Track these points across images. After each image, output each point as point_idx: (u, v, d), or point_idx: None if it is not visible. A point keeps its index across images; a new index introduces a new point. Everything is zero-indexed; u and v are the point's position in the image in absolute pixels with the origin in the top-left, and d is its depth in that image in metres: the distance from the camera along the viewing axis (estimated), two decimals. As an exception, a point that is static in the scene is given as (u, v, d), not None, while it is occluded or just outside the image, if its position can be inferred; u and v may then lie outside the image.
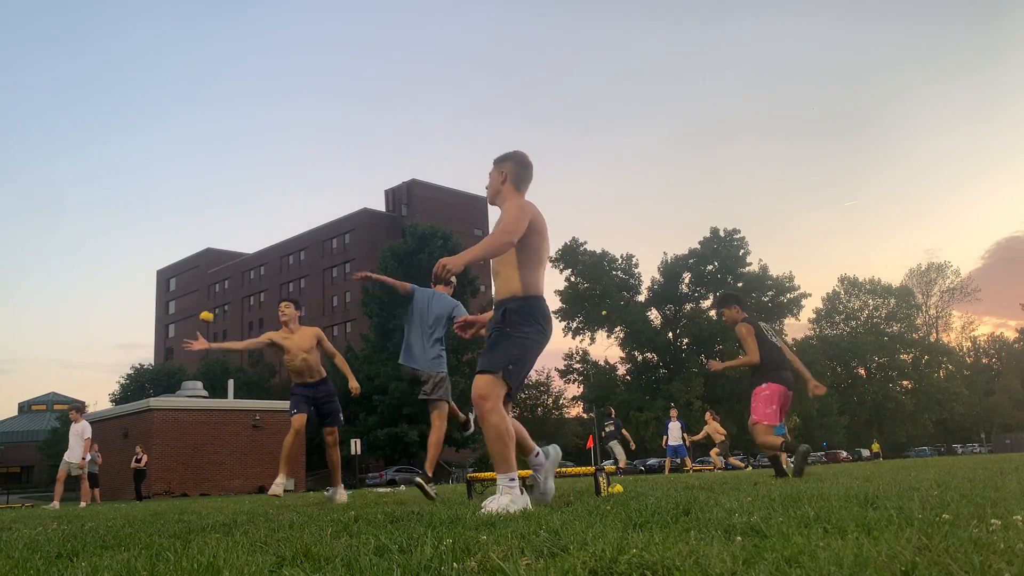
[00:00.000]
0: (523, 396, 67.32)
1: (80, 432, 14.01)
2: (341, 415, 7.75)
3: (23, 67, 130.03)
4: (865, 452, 68.50)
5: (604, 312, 52.14)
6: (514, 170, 4.58)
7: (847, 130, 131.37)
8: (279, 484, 7.08)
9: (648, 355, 61.63)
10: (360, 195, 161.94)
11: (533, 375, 69.92)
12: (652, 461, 58.74)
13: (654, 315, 63.09)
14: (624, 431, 20.43)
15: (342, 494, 7.58)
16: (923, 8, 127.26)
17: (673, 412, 20.09)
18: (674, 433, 19.58)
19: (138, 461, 25.41)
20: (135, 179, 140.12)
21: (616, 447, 20.04)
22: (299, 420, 7.37)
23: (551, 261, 60.91)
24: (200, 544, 2.95)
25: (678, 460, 20.21)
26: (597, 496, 5.10)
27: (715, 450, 19.28)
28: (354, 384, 7.58)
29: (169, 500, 22.07)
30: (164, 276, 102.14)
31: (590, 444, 31.43)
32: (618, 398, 56.15)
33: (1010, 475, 5.10)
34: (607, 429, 20.40)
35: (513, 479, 3.90)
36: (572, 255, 60.51)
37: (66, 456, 14.06)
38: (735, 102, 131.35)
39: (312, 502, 7.85)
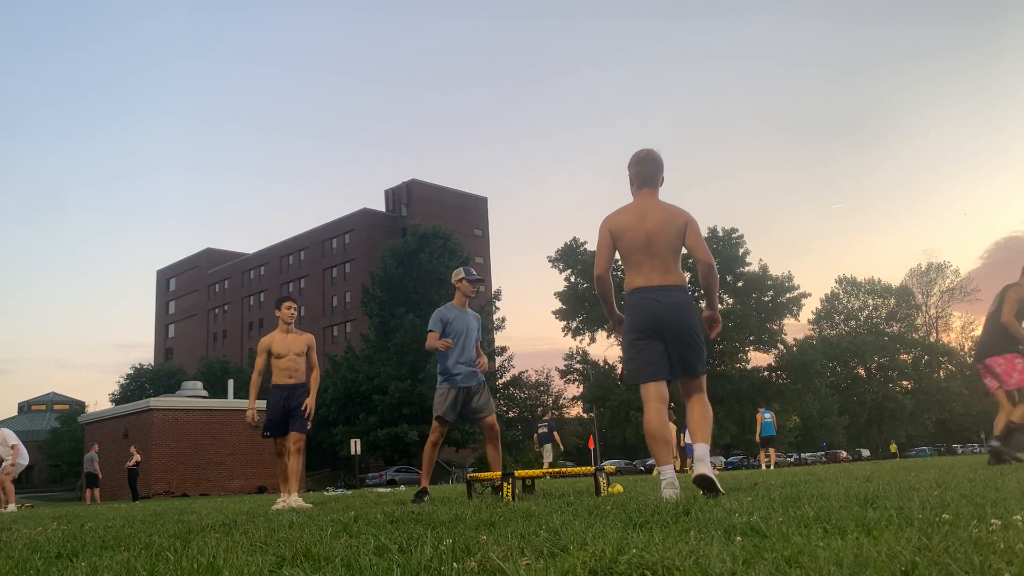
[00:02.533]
0: (523, 396, 67.24)
1: (3, 440, 13.31)
2: (308, 423, 7.48)
3: (23, 66, 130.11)
4: (865, 452, 68.69)
5: None
6: (629, 172, 4.68)
7: (846, 129, 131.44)
8: (283, 502, 7.10)
9: (648, 355, 61.55)
10: (360, 195, 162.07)
11: (533, 375, 69.84)
12: (652, 461, 58.62)
13: (654, 315, 63.04)
14: (556, 433, 20.64)
15: (298, 501, 7.23)
16: (923, 7, 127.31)
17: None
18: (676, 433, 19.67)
19: (130, 460, 25.44)
20: (135, 179, 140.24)
21: (547, 449, 20.32)
22: (280, 443, 7.43)
23: (551, 262, 61.01)
24: (200, 544, 2.95)
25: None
26: (597, 496, 5.10)
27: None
28: (310, 403, 7.42)
29: (169, 500, 22.08)
30: (164, 276, 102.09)
31: (591, 444, 31.45)
32: (618, 398, 56.11)
33: (1010, 475, 5.10)
34: (540, 431, 20.63)
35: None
36: (572, 255, 60.47)
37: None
38: (734, 101, 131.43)
39: (312, 502, 7.85)
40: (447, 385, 6.76)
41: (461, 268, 7.08)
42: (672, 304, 4.36)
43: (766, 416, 21.26)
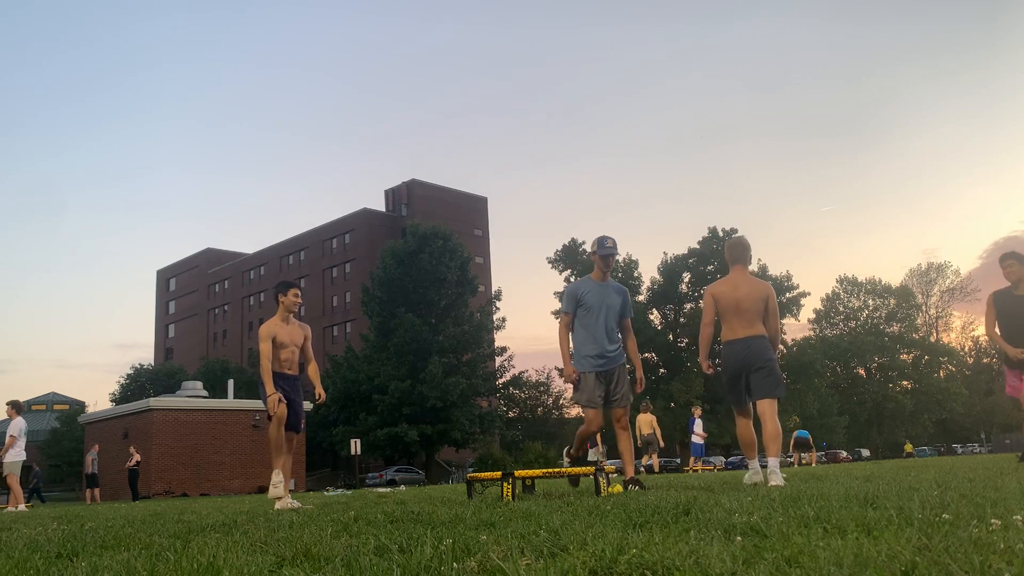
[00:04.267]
0: (523, 396, 67.33)
1: (10, 429, 12.98)
2: (304, 423, 7.24)
3: (22, 66, 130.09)
4: (865, 452, 68.72)
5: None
6: (725, 254, 6.48)
7: (846, 130, 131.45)
8: (277, 485, 6.64)
9: (648, 355, 61.55)
10: (360, 195, 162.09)
11: (533, 375, 70.17)
12: (650, 462, 58.52)
13: (654, 316, 63.05)
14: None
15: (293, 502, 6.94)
16: (922, 7, 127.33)
17: (696, 411, 20.21)
18: (698, 431, 19.81)
19: (130, 461, 25.45)
20: (135, 179, 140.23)
21: (595, 451, 20.24)
22: (284, 409, 6.81)
23: (550, 262, 61.03)
24: (200, 544, 2.95)
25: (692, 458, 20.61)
26: (597, 496, 5.10)
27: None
28: (320, 391, 7.21)
29: (169, 500, 22.07)
30: (164, 276, 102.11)
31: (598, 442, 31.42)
32: (618, 398, 56.08)
33: (1010, 475, 5.10)
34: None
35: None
36: (572, 255, 60.43)
37: (8, 457, 13.01)
38: (735, 102, 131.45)
39: (312, 502, 7.85)
40: (581, 368, 6.03)
41: (596, 239, 6.27)
42: (754, 348, 5.96)
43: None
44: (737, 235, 6.31)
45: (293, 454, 7.15)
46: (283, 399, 6.77)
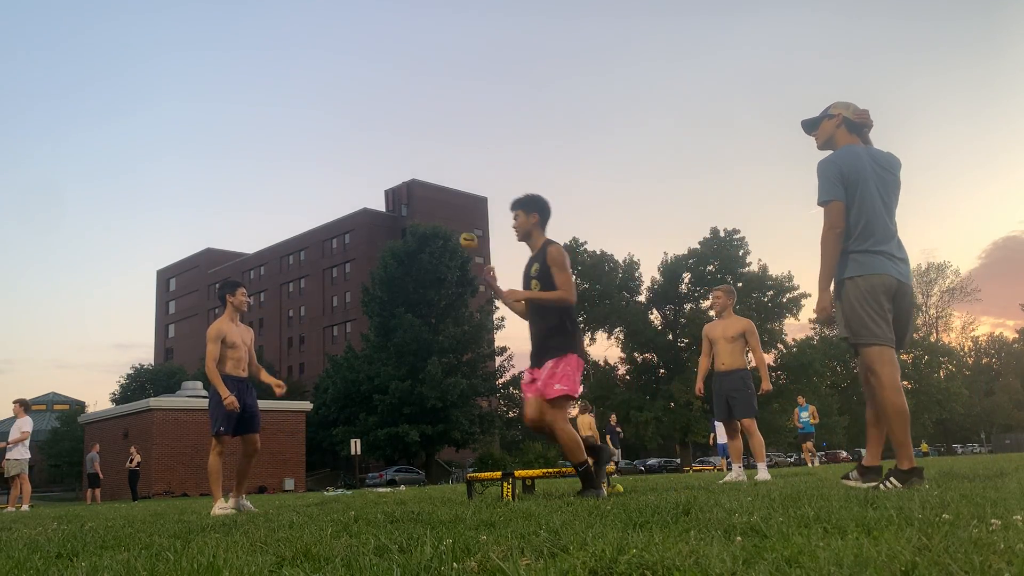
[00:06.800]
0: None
1: (19, 427, 13.10)
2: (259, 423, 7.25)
3: (21, 64, 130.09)
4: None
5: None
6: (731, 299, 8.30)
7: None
8: (223, 508, 6.59)
9: (648, 355, 61.53)
10: (360, 195, 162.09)
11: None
12: (652, 461, 58.74)
13: (654, 316, 63.01)
14: (608, 436, 20.51)
15: (247, 505, 7.04)
16: (920, 5, 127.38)
17: None
18: (721, 431, 19.60)
19: (131, 462, 25.44)
20: (135, 178, 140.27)
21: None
22: (227, 443, 6.90)
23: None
24: (200, 544, 2.95)
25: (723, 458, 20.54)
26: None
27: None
28: (278, 382, 7.32)
29: (169, 500, 22.06)
30: (164, 276, 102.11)
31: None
32: (618, 398, 56.11)
33: (1010, 475, 5.10)
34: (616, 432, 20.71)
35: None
36: (572, 256, 60.37)
37: (15, 455, 13.17)
38: (735, 101, 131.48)
39: (312, 502, 7.84)
40: (859, 271, 3.91)
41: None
42: (731, 380, 7.91)
43: (803, 415, 20.14)
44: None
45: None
46: (236, 402, 6.72)
